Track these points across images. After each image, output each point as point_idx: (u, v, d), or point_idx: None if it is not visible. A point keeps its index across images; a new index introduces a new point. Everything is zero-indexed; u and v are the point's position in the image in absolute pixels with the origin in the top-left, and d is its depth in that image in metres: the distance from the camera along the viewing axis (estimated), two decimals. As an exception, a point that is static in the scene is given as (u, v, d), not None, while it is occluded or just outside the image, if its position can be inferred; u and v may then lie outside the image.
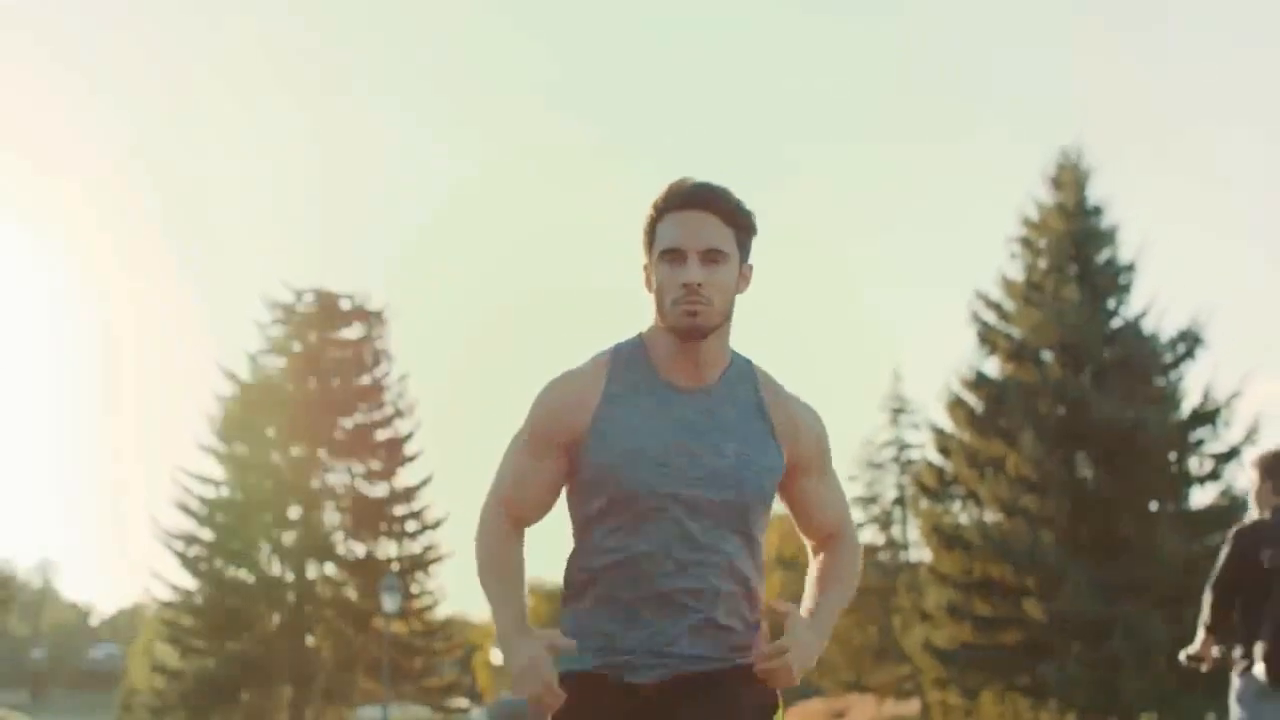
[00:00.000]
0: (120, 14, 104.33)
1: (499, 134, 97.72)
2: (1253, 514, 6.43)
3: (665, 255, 2.85)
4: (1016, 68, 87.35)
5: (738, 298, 2.93)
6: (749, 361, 2.99)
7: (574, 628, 2.92)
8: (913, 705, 38.88)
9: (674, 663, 2.85)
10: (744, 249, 2.90)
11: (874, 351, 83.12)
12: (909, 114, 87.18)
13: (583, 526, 2.93)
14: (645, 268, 2.92)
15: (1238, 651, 6.28)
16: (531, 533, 3.01)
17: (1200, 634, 6.40)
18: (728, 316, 2.89)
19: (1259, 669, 6.10)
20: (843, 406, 69.22)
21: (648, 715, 2.84)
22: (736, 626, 2.90)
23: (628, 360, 2.92)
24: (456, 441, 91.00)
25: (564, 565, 2.97)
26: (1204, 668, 6.40)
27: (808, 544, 3.11)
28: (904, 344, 77.48)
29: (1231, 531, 6.36)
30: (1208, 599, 6.32)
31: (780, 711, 2.90)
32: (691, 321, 2.82)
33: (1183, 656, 6.47)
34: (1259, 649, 6.15)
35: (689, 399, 2.88)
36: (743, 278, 2.92)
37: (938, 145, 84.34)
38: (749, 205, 2.92)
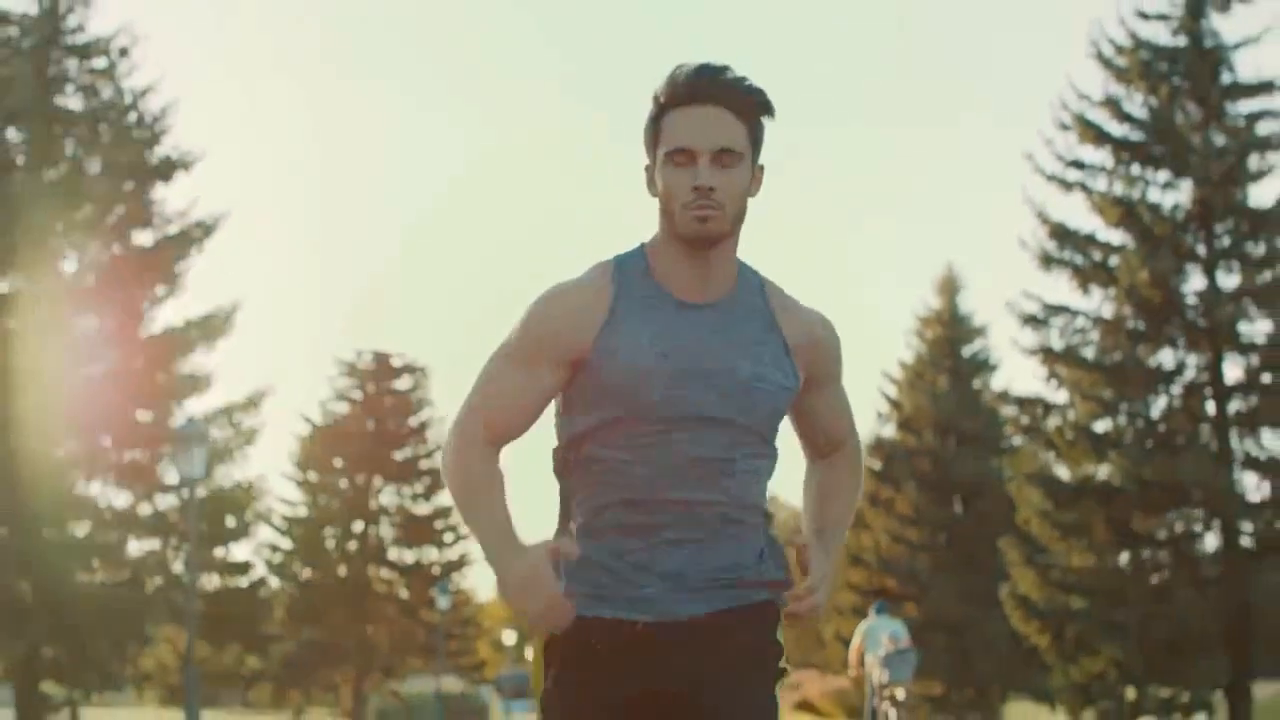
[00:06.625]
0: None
1: (507, 125, 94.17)
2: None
3: (672, 155, 2.52)
4: (1010, 53, 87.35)
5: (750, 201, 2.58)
6: (755, 271, 2.70)
7: (571, 565, 2.58)
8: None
9: (675, 600, 2.57)
10: (757, 145, 2.58)
11: (869, 339, 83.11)
12: (904, 98, 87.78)
13: (576, 448, 2.62)
14: (647, 169, 2.60)
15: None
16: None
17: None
18: (739, 222, 2.57)
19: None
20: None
21: (652, 658, 2.56)
22: (741, 556, 2.61)
23: (632, 274, 2.60)
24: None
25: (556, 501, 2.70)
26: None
27: (806, 451, 2.86)
28: (894, 329, 79.52)
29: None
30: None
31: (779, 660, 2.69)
32: (702, 228, 2.51)
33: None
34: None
35: (699, 315, 2.58)
36: (755, 180, 2.59)
37: (934, 130, 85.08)
38: (760, 87, 2.57)
